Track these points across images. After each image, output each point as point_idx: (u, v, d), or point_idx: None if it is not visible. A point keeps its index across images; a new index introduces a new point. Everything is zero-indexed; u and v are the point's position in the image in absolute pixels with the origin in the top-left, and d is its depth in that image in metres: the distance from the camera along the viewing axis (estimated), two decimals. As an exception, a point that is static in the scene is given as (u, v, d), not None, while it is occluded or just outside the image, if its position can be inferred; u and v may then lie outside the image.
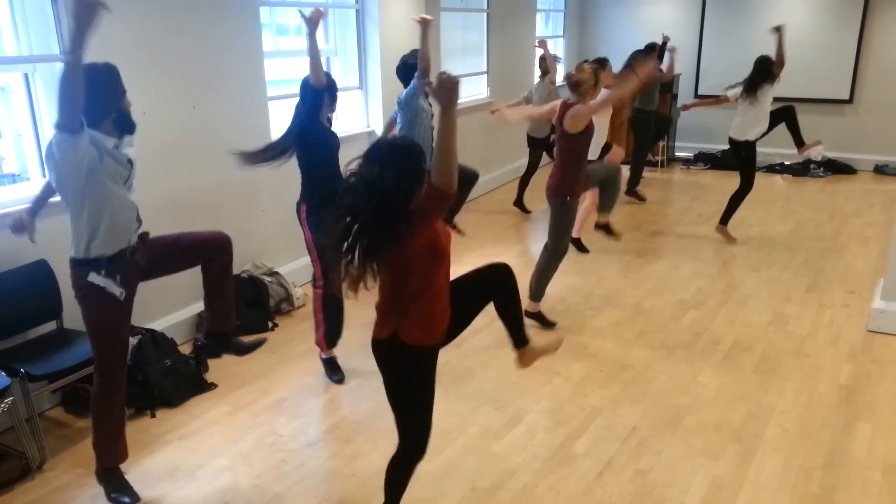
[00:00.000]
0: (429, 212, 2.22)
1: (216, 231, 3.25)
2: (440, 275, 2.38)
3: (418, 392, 2.48)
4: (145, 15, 4.07)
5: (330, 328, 3.97)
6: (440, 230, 2.36)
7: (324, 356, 4.07)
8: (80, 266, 2.79)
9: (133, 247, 2.88)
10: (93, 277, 2.75)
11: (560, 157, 4.50)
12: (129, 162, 2.80)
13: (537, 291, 4.67)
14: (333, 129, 3.94)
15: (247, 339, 3.59)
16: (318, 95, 3.70)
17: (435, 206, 2.21)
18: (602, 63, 5.97)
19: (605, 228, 5.42)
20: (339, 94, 3.89)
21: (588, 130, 4.40)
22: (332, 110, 3.88)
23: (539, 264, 4.66)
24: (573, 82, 4.38)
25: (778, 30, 5.88)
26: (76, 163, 2.58)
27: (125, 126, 2.75)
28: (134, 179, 2.86)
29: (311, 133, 3.75)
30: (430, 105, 4.74)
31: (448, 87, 2.11)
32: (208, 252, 3.18)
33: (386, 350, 2.44)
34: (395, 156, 2.23)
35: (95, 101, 2.61)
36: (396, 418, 2.51)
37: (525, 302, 4.69)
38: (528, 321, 4.64)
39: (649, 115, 7.63)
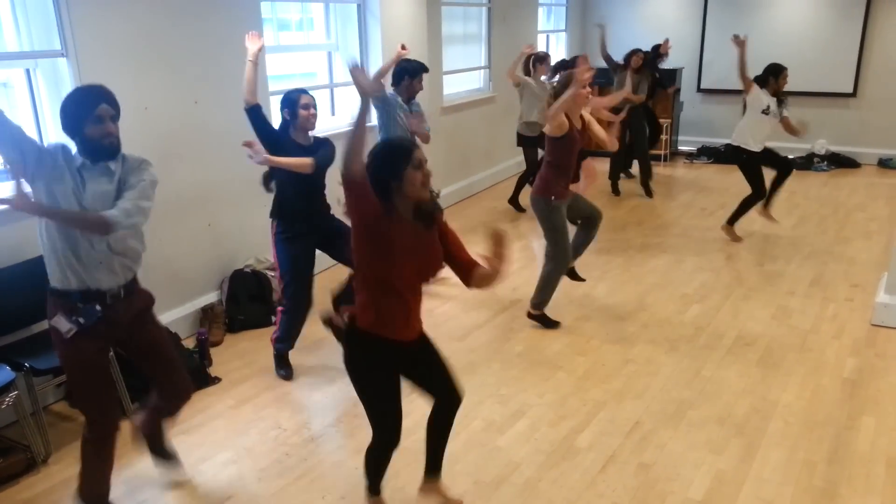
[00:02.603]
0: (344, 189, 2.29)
1: (184, 383, 2.98)
2: (388, 277, 2.38)
3: (364, 380, 2.52)
4: (147, 11, 4.06)
5: (285, 335, 4.01)
6: (402, 231, 2.36)
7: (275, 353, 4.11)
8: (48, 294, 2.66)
9: (110, 292, 2.64)
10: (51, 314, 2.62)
11: (545, 158, 4.47)
12: (81, 184, 2.55)
13: (539, 300, 4.60)
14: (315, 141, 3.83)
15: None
16: (250, 112, 3.72)
17: (344, 186, 2.27)
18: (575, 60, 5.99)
19: (570, 273, 4.86)
20: (310, 99, 3.76)
21: (570, 135, 4.28)
22: (304, 125, 3.73)
23: (543, 272, 4.57)
24: (561, 84, 4.38)
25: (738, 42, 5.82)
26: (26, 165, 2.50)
27: (88, 152, 2.55)
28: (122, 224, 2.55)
29: (270, 147, 3.67)
30: (408, 107, 4.91)
31: (356, 76, 2.35)
32: (170, 391, 2.94)
33: (347, 336, 2.53)
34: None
35: (62, 122, 2.57)
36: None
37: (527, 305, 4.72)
38: (531, 322, 4.66)
39: (637, 108, 7.54)
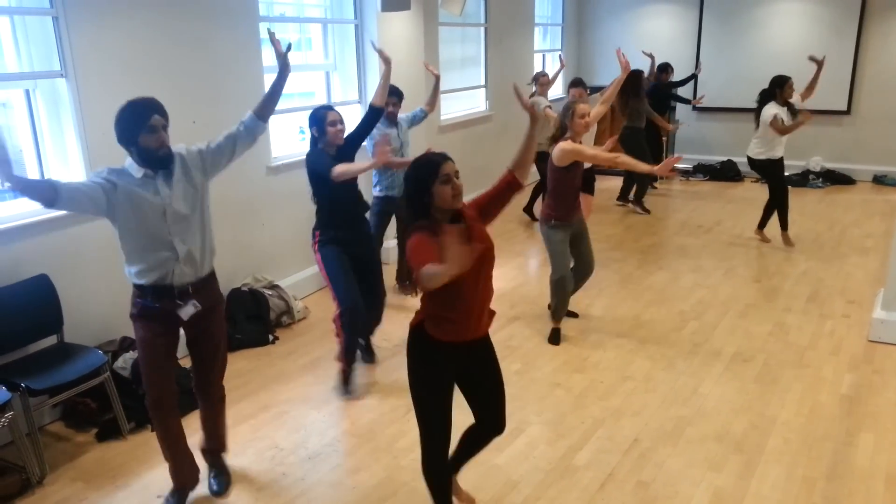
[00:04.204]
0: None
1: (221, 385, 3.22)
2: (453, 287, 2.36)
3: (424, 387, 2.56)
4: (146, 32, 4.10)
5: (348, 345, 4.00)
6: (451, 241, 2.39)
7: (342, 368, 4.07)
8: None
9: (179, 288, 2.85)
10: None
11: (549, 183, 4.52)
12: (157, 192, 2.76)
13: (554, 315, 4.69)
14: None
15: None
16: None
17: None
18: (577, 84, 6.07)
19: (553, 333, 4.69)
20: (335, 116, 3.85)
21: (576, 163, 4.38)
22: (333, 140, 3.83)
23: (551, 292, 4.66)
24: (562, 115, 4.42)
25: (816, 61, 6.38)
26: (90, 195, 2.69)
27: (145, 161, 2.73)
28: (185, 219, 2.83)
29: (310, 166, 3.82)
30: (396, 126, 5.08)
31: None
32: (205, 388, 3.17)
33: (409, 336, 2.57)
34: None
35: (118, 134, 2.71)
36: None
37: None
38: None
39: (638, 131, 7.67)
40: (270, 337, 4.76)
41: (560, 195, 4.45)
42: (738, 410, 3.77)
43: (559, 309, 4.65)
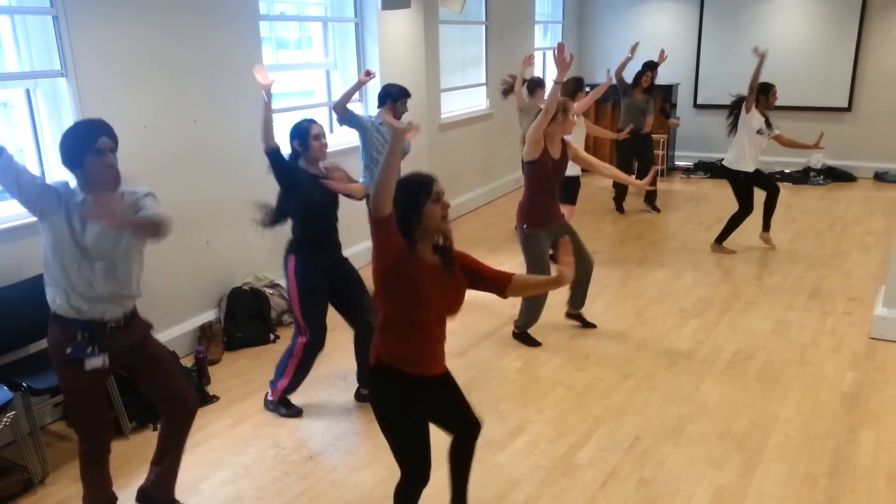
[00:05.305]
0: (371, 226, 2.29)
1: (190, 393, 3.02)
2: (416, 317, 2.37)
3: (395, 421, 2.47)
4: (146, 31, 4.10)
5: (296, 381, 3.80)
6: (423, 275, 2.35)
7: (272, 399, 3.87)
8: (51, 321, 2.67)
9: (111, 322, 2.68)
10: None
11: (524, 184, 4.42)
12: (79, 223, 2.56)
13: (523, 321, 4.57)
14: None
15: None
16: (272, 156, 3.54)
17: (371, 224, 2.28)
18: (579, 83, 5.99)
19: (578, 318, 4.85)
20: (316, 131, 3.62)
21: (542, 161, 4.20)
22: (316, 155, 3.61)
23: (522, 307, 4.57)
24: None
25: (758, 54, 5.80)
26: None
27: (89, 185, 2.58)
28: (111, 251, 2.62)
29: (287, 184, 3.60)
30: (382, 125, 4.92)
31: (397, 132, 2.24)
32: (174, 405, 2.93)
33: (374, 375, 2.49)
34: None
35: (62, 155, 2.59)
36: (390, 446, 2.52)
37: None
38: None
39: (629, 136, 7.52)
40: (271, 336, 4.77)
41: (533, 196, 4.30)
42: (740, 408, 3.77)
43: (531, 320, 4.55)
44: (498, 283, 2.56)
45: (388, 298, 2.39)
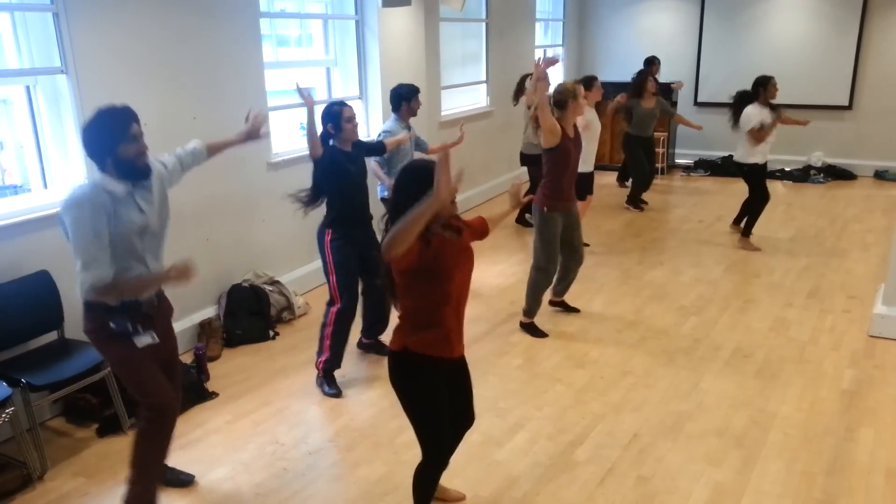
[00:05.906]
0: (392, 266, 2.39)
1: (172, 393, 2.90)
2: (445, 293, 2.44)
3: (422, 402, 2.52)
4: (146, 28, 4.10)
5: (335, 353, 3.97)
6: (446, 251, 2.41)
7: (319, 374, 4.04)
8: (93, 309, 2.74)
9: (147, 303, 2.79)
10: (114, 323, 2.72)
11: (544, 171, 4.54)
12: (140, 210, 2.68)
13: (529, 308, 4.70)
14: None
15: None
16: (319, 160, 3.85)
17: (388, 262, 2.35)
18: (590, 81, 5.99)
19: (561, 304, 5.06)
20: (346, 112, 3.88)
21: (563, 145, 4.35)
22: (349, 136, 3.89)
23: (529, 280, 4.67)
24: (555, 100, 4.43)
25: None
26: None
27: (124, 173, 2.61)
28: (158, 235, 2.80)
29: (326, 163, 3.85)
30: (410, 128, 5.03)
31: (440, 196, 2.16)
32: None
33: (393, 361, 2.54)
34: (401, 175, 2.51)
35: (93, 145, 2.60)
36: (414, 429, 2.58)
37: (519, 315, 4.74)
38: (529, 335, 4.67)
39: (636, 140, 7.60)
40: (271, 332, 4.77)
41: (554, 180, 4.45)
42: (739, 405, 3.77)
43: (535, 306, 4.69)
44: (482, 229, 2.83)
45: (418, 293, 2.45)
